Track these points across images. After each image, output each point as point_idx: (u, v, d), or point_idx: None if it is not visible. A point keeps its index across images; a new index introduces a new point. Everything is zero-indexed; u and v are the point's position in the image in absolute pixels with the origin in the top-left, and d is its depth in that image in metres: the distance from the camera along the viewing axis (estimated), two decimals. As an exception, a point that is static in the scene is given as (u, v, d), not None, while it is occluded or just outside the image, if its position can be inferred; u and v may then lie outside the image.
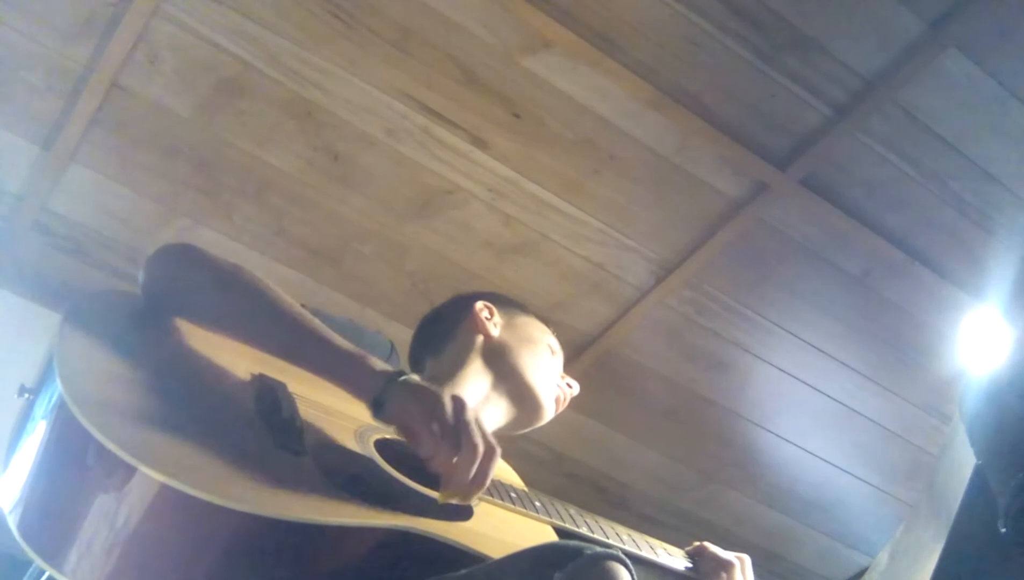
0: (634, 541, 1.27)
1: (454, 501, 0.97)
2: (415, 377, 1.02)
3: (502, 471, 1.26)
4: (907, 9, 1.91)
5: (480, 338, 1.42)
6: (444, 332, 1.46)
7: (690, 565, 1.35)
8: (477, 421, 0.99)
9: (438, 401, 0.98)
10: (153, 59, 2.00)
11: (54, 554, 0.87)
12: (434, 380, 1.30)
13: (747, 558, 1.36)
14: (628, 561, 0.87)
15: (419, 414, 0.97)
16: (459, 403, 0.99)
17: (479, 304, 1.46)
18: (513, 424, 1.42)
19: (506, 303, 1.52)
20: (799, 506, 2.95)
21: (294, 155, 2.17)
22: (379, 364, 1.03)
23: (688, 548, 1.38)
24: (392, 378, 1.00)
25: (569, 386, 1.46)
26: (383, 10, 1.95)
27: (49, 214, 2.25)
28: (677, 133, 2.13)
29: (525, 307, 1.54)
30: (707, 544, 1.38)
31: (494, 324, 1.44)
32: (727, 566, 1.34)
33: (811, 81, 2.03)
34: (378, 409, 0.99)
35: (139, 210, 2.24)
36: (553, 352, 1.47)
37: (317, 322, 1.07)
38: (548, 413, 1.42)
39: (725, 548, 1.38)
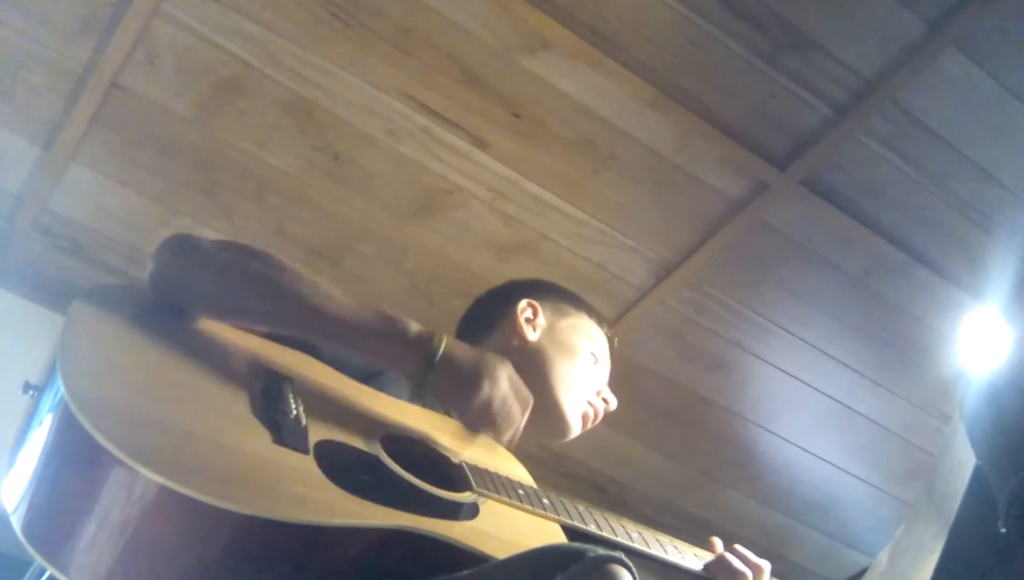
0: (643, 538, 1.24)
1: None
2: (450, 348, 1.08)
3: (512, 467, 1.26)
4: (907, 9, 1.90)
5: (516, 341, 1.38)
6: (485, 324, 1.43)
7: (703, 564, 1.30)
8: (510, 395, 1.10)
9: (477, 387, 1.08)
10: (153, 59, 2.00)
11: (56, 554, 0.86)
12: None
13: (767, 565, 1.28)
14: (631, 564, 0.87)
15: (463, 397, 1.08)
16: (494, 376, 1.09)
17: (522, 303, 1.41)
18: (534, 432, 1.34)
19: (558, 299, 1.46)
20: (799, 506, 2.94)
21: (294, 155, 2.17)
22: (413, 328, 1.07)
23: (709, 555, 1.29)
24: (429, 359, 1.06)
25: (605, 401, 1.40)
26: (383, 10, 1.95)
27: (49, 214, 2.25)
28: (677, 133, 2.13)
29: (580, 303, 1.48)
30: (717, 542, 1.30)
31: (534, 326, 1.40)
32: (738, 574, 1.26)
33: (811, 81, 2.03)
34: (421, 390, 1.08)
35: (139, 210, 2.24)
36: (596, 361, 1.41)
37: (344, 299, 1.07)
38: (572, 432, 1.38)
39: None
